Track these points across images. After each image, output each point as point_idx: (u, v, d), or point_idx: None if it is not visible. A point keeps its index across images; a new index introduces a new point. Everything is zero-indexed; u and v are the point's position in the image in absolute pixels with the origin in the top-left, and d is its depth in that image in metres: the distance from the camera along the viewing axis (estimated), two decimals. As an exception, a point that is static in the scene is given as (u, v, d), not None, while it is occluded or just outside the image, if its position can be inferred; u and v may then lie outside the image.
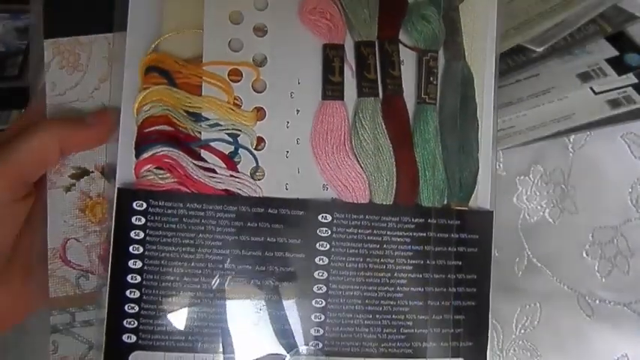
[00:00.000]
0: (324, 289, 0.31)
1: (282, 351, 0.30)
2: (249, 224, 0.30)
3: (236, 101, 0.30)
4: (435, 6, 0.32)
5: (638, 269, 0.35)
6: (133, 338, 0.29)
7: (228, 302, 0.30)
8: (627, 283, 0.35)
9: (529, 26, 0.37)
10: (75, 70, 0.31)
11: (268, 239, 0.30)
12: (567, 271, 0.37)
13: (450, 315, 0.32)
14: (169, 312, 0.29)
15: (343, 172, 0.31)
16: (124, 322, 0.29)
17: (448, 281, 0.32)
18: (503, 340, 0.38)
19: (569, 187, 0.37)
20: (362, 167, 0.31)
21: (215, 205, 0.29)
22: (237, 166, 0.30)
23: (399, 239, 0.31)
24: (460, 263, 0.32)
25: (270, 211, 0.30)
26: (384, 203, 0.31)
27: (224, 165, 0.30)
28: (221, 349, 0.30)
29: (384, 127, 0.31)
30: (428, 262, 0.31)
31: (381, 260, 0.31)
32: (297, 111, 0.31)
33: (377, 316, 0.31)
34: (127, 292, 0.29)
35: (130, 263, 0.29)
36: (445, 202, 0.32)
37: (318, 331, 0.31)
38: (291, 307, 0.30)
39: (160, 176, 0.29)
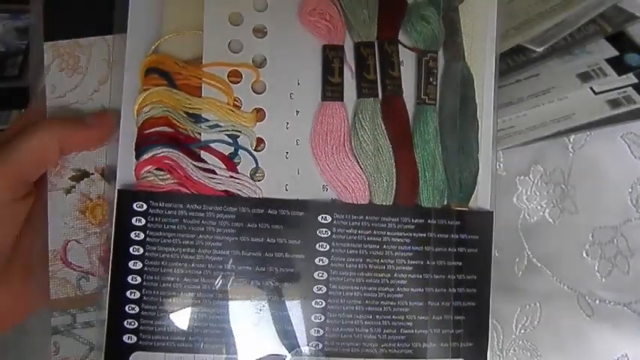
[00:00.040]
0: (324, 289, 0.31)
1: (283, 351, 0.30)
2: (249, 225, 0.30)
3: (236, 102, 0.30)
4: (434, 6, 0.32)
5: (638, 269, 0.35)
6: (134, 339, 0.29)
7: (228, 303, 0.30)
8: (627, 283, 0.35)
9: (529, 26, 0.37)
10: (75, 72, 0.31)
11: (268, 240, 0.30)
12: (567, 271, 0.37)
13: (450, 315, 0.32)
14: (170, 313, 0.29)
15: (343, 172, 0.31)
16: (125, 322, 0.29)
17: (448, 282, 0.32)
18: (503, 340, 0.38)
19: (569, 187, 0.37)
20: (362, 168, 0.31)
21: (215, 206, 0.29)
22: (237, 167, 0.30)
23: (398, 240, 0.31)
24: (460, 264, 0.32)
25: (270, 211, 0.30)
26: (384, 204, 0.31)
27: (224, 166, 0.30)
28: (222, 350, 0.30)
29: (383, 127, 0.31)
30: (428, 262, 0.31)
31: (381, 261, 0.31)
32: (297, 112, 0.31)
33: (377, 316, 0.31)
34: (128, 293, 0.29)
35: (131, 264, 0.29)
36: (445, 202, 0.32)
37: (318, 331, 0.31)
38: (291, 308, 0.30)
39: (160, 177, 0.29)
